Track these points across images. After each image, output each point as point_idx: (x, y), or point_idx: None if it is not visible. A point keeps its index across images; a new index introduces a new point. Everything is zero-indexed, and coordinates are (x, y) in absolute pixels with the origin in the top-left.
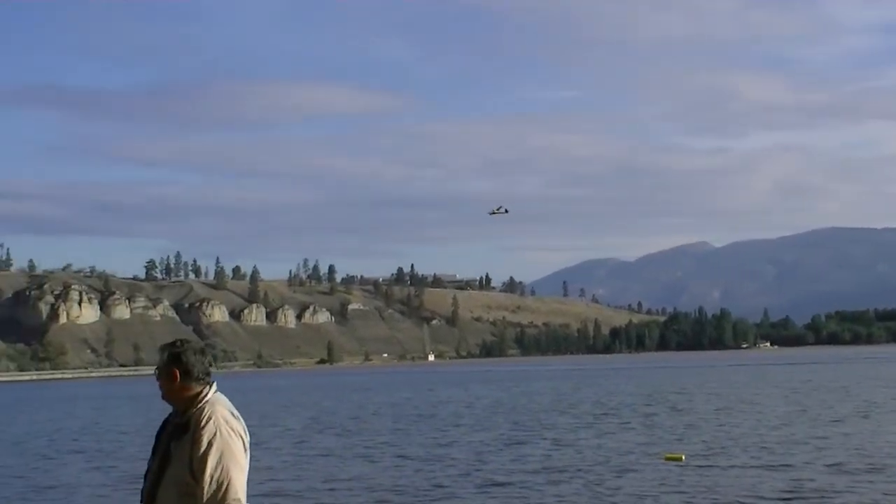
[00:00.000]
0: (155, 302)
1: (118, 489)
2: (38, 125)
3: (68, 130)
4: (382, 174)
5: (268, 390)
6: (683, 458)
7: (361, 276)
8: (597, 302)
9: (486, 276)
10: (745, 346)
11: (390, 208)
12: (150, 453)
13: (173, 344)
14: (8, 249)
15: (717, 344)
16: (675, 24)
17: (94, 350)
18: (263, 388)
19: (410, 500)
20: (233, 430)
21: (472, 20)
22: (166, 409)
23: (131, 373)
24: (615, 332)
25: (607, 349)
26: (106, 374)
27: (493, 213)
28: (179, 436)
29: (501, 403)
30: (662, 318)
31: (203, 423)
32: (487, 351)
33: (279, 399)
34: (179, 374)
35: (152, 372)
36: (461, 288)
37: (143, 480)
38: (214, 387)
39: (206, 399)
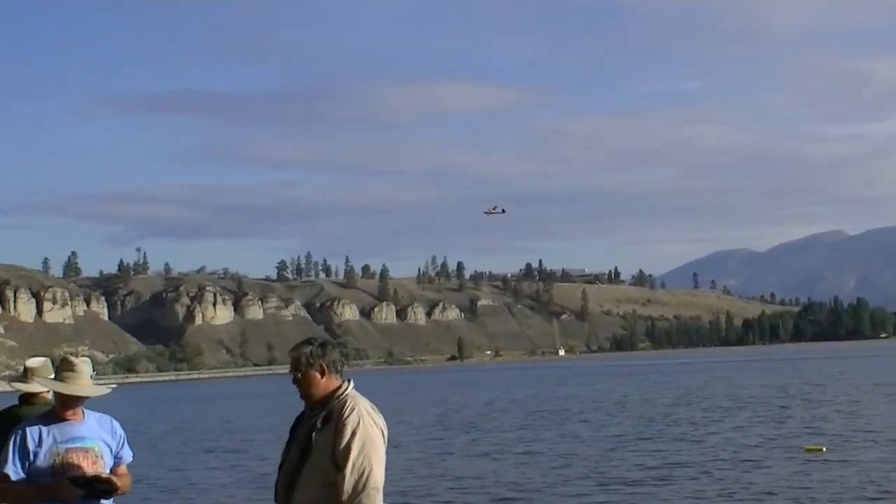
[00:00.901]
0: (287, 302)
1: (244, 488)
2: (172, 131)
3: (201, 135)
4: (511, 171)
5: (399, 387)
6: (824, 449)
7: (490, 273)
8: (728, 293)
9: (615, 269)
10: (883, 335)
11: (518, 204)
12: (281, 449)
13: (309, 341)
14: (145, 253)
15: (855, 334)
16: (807, 10)
17: (228, 350)
18: (394, 385)
19: (534, 498)
20: (374, 422)
21: (599, 14)
22: (297, 407)
23: (265, 372)
24: (748, 324)
25: (740, 341)
26: (241, 373)
27: (489, 212)
28: (322, 428)
29: (631, 398)
30: (796, 309)
31: (346, 414)
32: (618, 345)
33: (409, 396)
34: (326, 367)
35: (288, 370)
36: (590, 282)
37: (277, 473)
38: (352, 383)
39: (346, 392)
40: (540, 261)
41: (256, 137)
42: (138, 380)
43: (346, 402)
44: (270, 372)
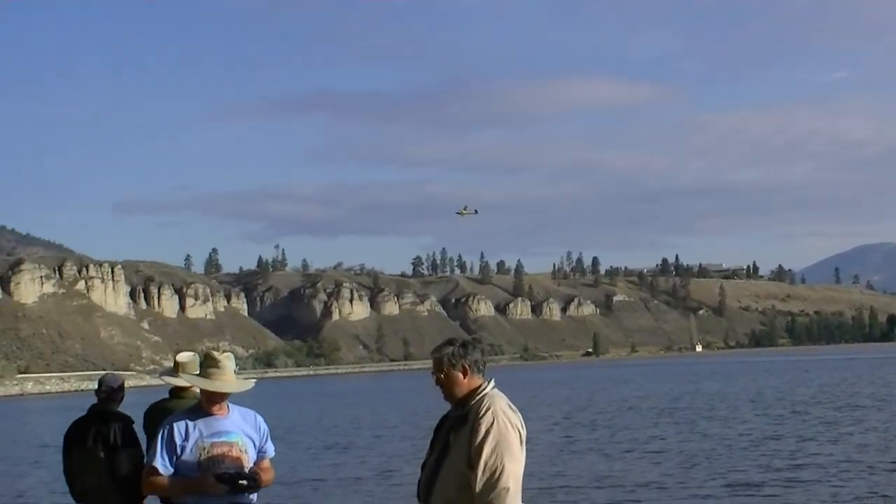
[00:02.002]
0: (422, 298)
1: (369, 484)
2: (309, 130)
3: (338, 134)
4: (647, 166)
5: (533, 384)
6: None
7: (626, 268)
8: (872, 289)
9: (754, 264)
10: None
11: (654, 200)
12: (404, 446)
13: (451, 342)
14: (283, 250)
15: None
16: None
17: (365, 346)
18: (530, 381)
19: (657, 497)
20: (509, 421)
21: (736, 7)
22: (428, 403)
23: (401, 368)
24: (893, 320)
25: (884, 337)
26: (377, 368)
27: (461, 213)
28: (458, 428)
29: (766, 395)
30: None
31: (481, 414)
32: (757, 340)
33: (544, 392)
34: (468, 367)
35: (431, 371)
36: (728, 277)
37: (420, 472)
38: (493, 382)
39: (485, 392)
40: (676, 256)
41: (392, 135)
42: (277, 375)
43: (483, 401)
44: (406, 367)
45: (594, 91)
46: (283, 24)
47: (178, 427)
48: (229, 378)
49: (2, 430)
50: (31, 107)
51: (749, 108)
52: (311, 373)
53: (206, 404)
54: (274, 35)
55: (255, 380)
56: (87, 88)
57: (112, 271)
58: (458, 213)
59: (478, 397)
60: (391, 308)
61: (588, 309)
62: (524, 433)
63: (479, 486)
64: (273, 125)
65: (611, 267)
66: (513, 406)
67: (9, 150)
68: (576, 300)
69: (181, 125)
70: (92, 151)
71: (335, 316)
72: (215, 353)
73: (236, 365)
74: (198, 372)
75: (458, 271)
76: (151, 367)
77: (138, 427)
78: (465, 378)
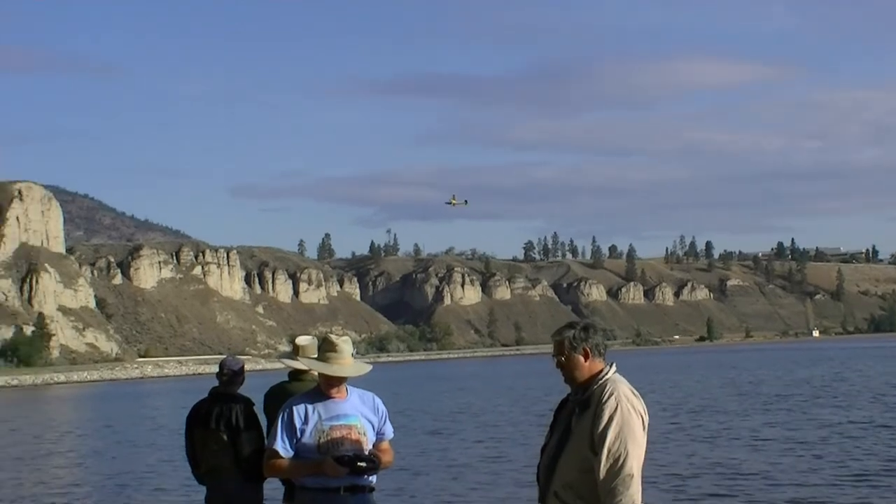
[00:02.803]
0: (534, 282)
1: (478, 468)
2: (420, 114)
3: (448, 118)
4: (762, 148)
5: (646, 368)
6: None
7: (740, 252)
8: None
9: (873, 248)
10: None
11: (770, 182)
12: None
13: (572, 325)
14: (395, 235)
15: None
16: None
17: (477, 330)
18: (642, 366)
19: (764, 487)
20: (633, 407)
21: None
22: (540, 389)
23: (512, 352)
24: None
25: None
26: (488, 353)
27: (451, 203)
28: (580, 412)
29: (883, 381)
30: None
31: (605, 399)
32: (876, 326)
33: (655, 377)
34: (589, 350)
35: (552, 354)
36: (846, 261)
37: (539, 456)
38: (614, 366)
39: (607, 376)
40: (792, 239)
41: (503, 119)
42: (389, 359)
43: (605, 386)
44: (518, 352)
45: (707, 71)
46: (395, 7)
47: (298, 410)
48: (347, 362)
49: (126, 412)
50: (149, 93)
51: (870, 87)
52: (423, 357)
53: (324, 388)
54: (387, 18)
55: (371, 365)
56: (202, 74)
57: (228, 256)
58: (447, 203)
59: (600, 381)
60: (503, 292)
61: (702, 293)
62: (647, 418)
63: (602, 471)
64: (385, 109)
65: (725, 251)
66: (635, 391)
67: (128, 137)
68: (689, 284)
69: (295, 109)
70: (208, 137)
71: (447, 300)
72: (333, 338)
73: (354, 349)
74: (316, 355)
75: (569, 255)
76: (266, 351)
77: (258, 409)
78: (586, 361)
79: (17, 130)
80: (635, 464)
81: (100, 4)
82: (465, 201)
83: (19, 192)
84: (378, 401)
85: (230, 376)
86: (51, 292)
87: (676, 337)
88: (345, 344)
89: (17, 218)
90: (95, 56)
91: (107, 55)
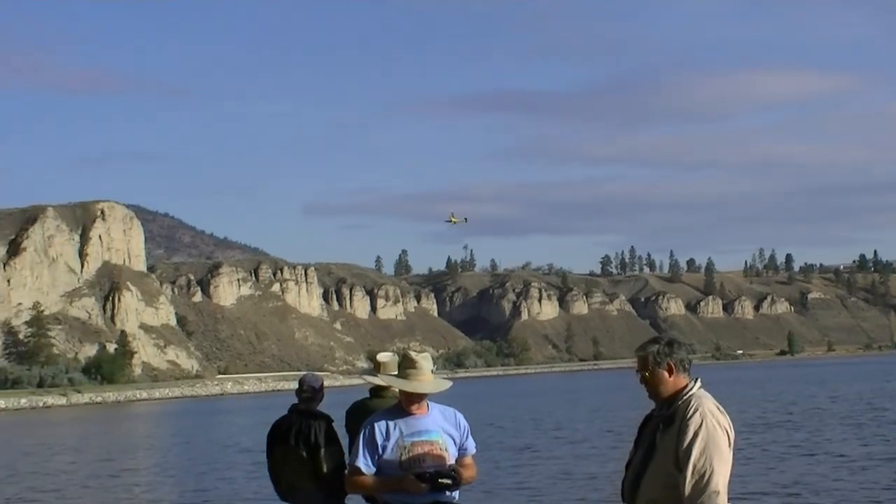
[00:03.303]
0: (611, 297)
1: (556, 485)
2: (494, 130)
3: (522, 133)
4: (841, 159)
5: (725, 383)
6: None
7: (820, 265)
8: None
9: None
10: None
11: (850, 194)
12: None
13: (656, 340)
14: (471, 251)
15: None
16: None
17: (554, 345)
18: (721, 380)
19: None
20: (718, 422)
21: None
22: (619, 404)
23: (590, 367)
24: None
25: None
26: (566, 368)
27: (451, 221)
28: (665, 428)
29: None
30: None
31: (689, 415)
32: None
33: (734, 391)
34: (674, 366)
35: (636, 369)
36: None
37: (624, 472)
38: (699, 382)
39: (692, 392)
40: (875, 251)
41: (576, 133)
42: (467, 375)
43: (690, 401)
44: (595, 367)
45: (783, 83)
46: (467, 25)
47: (379, 427)
48: (426, 378)
49: (205, 428)
50: (226, 113)
51: None
52: (501, 373)
53: (405, 404)
54: (458, 36)
55: (451, 381)
56: (278, 94)
57: (305, 273)
58: (447, 222)
59: (685, 397)
60: (580, 307)
61: (782, 307)
62: (732, 434)
63: (688, 488)
64: (458, 125)
65: (805, 264)
66: (720, 407)
67: (206, 157)
68: (769, 298)
69: (369, 127)
70: (283, 156)
71: (524, 315)
72: (412, 354)
73: (434, 365)
74: (396, 372)
75: (647, 270)
76: (344, 367)
77: (339, 426)
78: (670, 377)
79: (99, 151)
80: (721, 480)
81: (178, 29)
82: (465, 219)
83: (102, 212)
84: (460, 416)
85: (310, 393)
86: (133, 310)
87: (756, 352)
88: (424, 360)
89: (100, 237)
90: (174, 78)
91: (185, 78)
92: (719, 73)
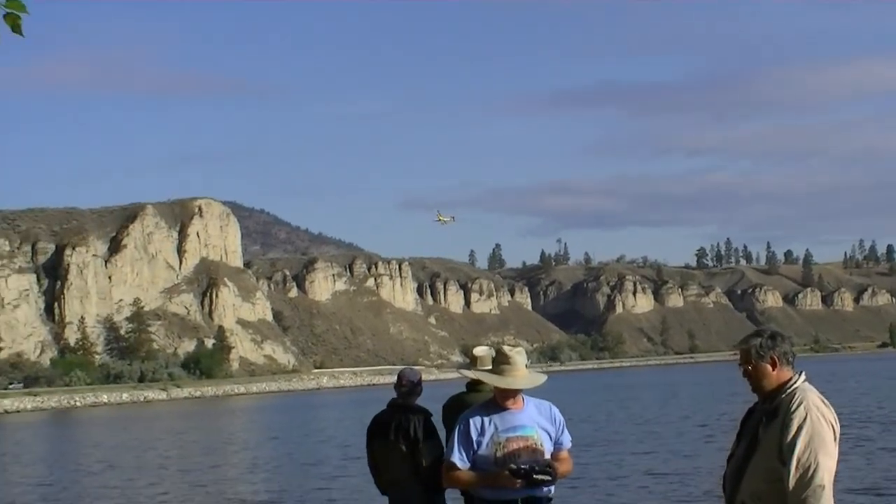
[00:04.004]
0: (707, 289)
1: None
2: (588, 123)
3: (616, 126)
4: None
5: (823, 376)
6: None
7: None
8: None
9: None
10: None
11: None
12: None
13: (759, 333)
14: (565, 244)
15: None
16: None
17: (649, 338)
18: (820, 373)
19: None
20: (823, 416)
21: None
22: (718, 396)
23: (686, 360)
24: None
25: None
26: (662, 361)
27: (439, 220)
28: (768, 422)
29: None
30: None
31: (793, 409)
32: None
33: (832, 385)
34: (777, 359)
35: (738, 363)
36: None
37: (725, 466)
38: (804, 375)
39: (796, 385)
40: None
41: (672, 126)
42: (561, 368)
43: (794, 395)
44: (692, 360)
45: (885, 73)
46: (565, 19)
47: (474, 422)
48: (520, 374)
49: (302, 422)
50: (320, 111)
51: None
52: (595, 366)
53: (499, 399)
54: (556, 30)
55: (546, 375)
56: (373, 90)
57: (399, 268)
58: (436, 221)
59: (788, 391)
60: (675, 300)
61: (883, 298)
62: (838, 429)
63: (792, 482)
64: (553, 119)
65: None
66: (825, 400)
67: (300, 153)
68: (869, 290)
69: (462, 121)
70: (378, 151)
71: (619, 309)
72: (506, 349)
73: (529, 360)
74: (491, 366)
75: (743, 262)
76: (439, 361)
77: (436, 420)
78: (773, 370)
79: (197, 150)
80: (826, 475)
81: (275, 30)
82: (452, 217)
83: (199, 209)
84: (555, 410)
85: (408, 387)
86: (230, 306)
87: (856, 344)
88: (518, 355)
89: (198, 234)
90: (270, 78)
91: (281, 77)
92: (819, 64)
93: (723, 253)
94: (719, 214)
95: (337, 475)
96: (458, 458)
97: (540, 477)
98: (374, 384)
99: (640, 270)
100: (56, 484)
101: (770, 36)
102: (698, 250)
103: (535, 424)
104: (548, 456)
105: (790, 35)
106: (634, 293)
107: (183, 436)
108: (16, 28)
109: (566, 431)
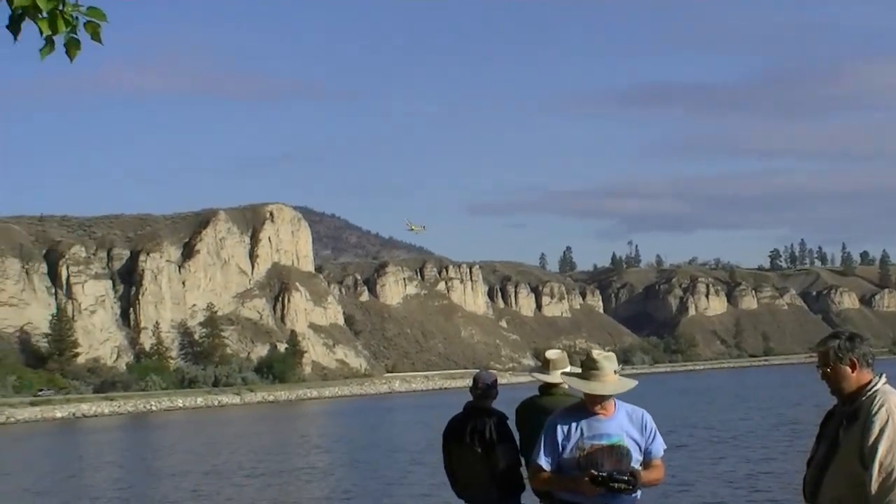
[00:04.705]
0: (781, 291)
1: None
2: (656, 124)
3: (685, 126)
4: None
5: None
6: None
7: None
8: None
9: None
10: None
11: None
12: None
13: (836, 335)
14: (636, 246)
15: None
16: None
17: (723, 341)
18: None
19: None
20: None
21: None
22: (792, 399)
23: (761, 363)
24: None
25: None
26: (735, 364)
27: (411, 229)
28: (849, 425)
29: None
30: None
31: (875, 411)
32: None
33: None
34: (856, 361)
35: (816, 365)
36: None
37: (805, 469)
38: (884, 377)
39: (876, 387)
40: None
41: (741, 126)
42: (634, 372)
43: (875, 397)
44: (766, 363)
45: None
46: (625, 19)
47: (561, 426)
48: (609, 379)
49: (377, 426)
50: (388, 114)
51: None
52: (668, 369)
53: (588, 404)
54: (618, 30)
55: (635, 381)
56: (442, 93)
57: (470, 272)
58: (409, 231)
59: (869, 393)
60: (749, 302)
61: None
62: None
63: (874, 486)
64: (620, 120)
65: None
66: None
67: (370, 157)
68: None
69: (529, 124)
70: (447, 154)
71: (691, 311)
72: (594, 354)
73: (619, 364)
74: (567, 368)
75: (818, 263)
76: (510, 365)
77: (511, 423)
78: (853, 372)
79: (267, 155)
80: None
81: (342, 33)
82: (424, 227)
83: (271, 214)
84: (647, 418)
85: (484, 390)
86: (302, 310)
87: None
88: (606, 361)
89: (270, 239)
90: (339, 81)
91: (351, 80)
92: (893, 59)
93: (797, 254)
94: (791, 215)
95: (402, 480)
96: (543, 461)
97: (618, 485)
98: (445, 388)
99: (713, 273)
100: (134, 487)
101: (838, 31)
102: (772, 252)
103: (623, 433)
104: (635, 465)
105: (859, 30)
106: (707, 295)
107: (255, 439)
108: (95, 36)
109: (658, 439)
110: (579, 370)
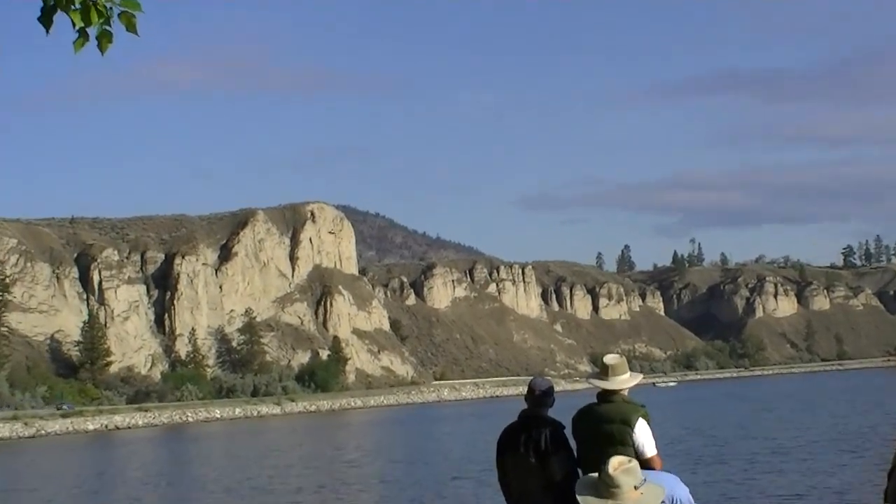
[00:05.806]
0: (856, 290)
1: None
2: (718, 113)
3: (749, 115)
4: None
5: None
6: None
7: None
8: None
9: None
10: None
11: None
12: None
13: None
14: (699, 244)
15: None
16: None
17: (793, 344)
18: None
19: None
20: None
21: None
22: (867, 407)
23: (834, 367)
24: None
25: None
26: (807, 369)
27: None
28: None
29: None
30: None
31: None
32: None
33: None
34: None
35: (868, 366)
36: None
37: (886, 480)
38: None
39: None
40: None
41: (810, 114)
42: (697, 377)
43: None
44: (840, 367)
45: None
46: (687, 5)
47: None
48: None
49: (424, 437)
50: (435, 108)
51: None
52: (734, 375)
53: None
54: (679, 17)
55: (674, 382)
56: (489, 86)
57: (523, 272)
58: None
59: None
60: (821, 302)
61: None
62: None
63: None
64: (680, 110)
65: None
66: None
67: (415, 153)
68: None
69: (583, 115)
70: (497, 149)
71: (759, 313)
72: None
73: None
74: (627, 375)
75: (895, 260)
76: (566, 371)
77: (568, 432)
78: None
79: (307, 152)
80: None
81: (388, 26)
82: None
83: (312, 214)
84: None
85: (539, 397)
86: (345, 315)
87: None
88: (624, 475)
89: (311, 240)
90: (384, 76)
91: (395, 75)
92: None
93: (872, 251)
94: (868, 209)
95: (448, 494)
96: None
97: None
98: (497, 396)
99: (781, 271)
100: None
101: None
102: (845, 248)
103: None
104: None
105: None
106: (776, 295)
107: (295, 451)
108: (130, 27)
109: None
110: None
